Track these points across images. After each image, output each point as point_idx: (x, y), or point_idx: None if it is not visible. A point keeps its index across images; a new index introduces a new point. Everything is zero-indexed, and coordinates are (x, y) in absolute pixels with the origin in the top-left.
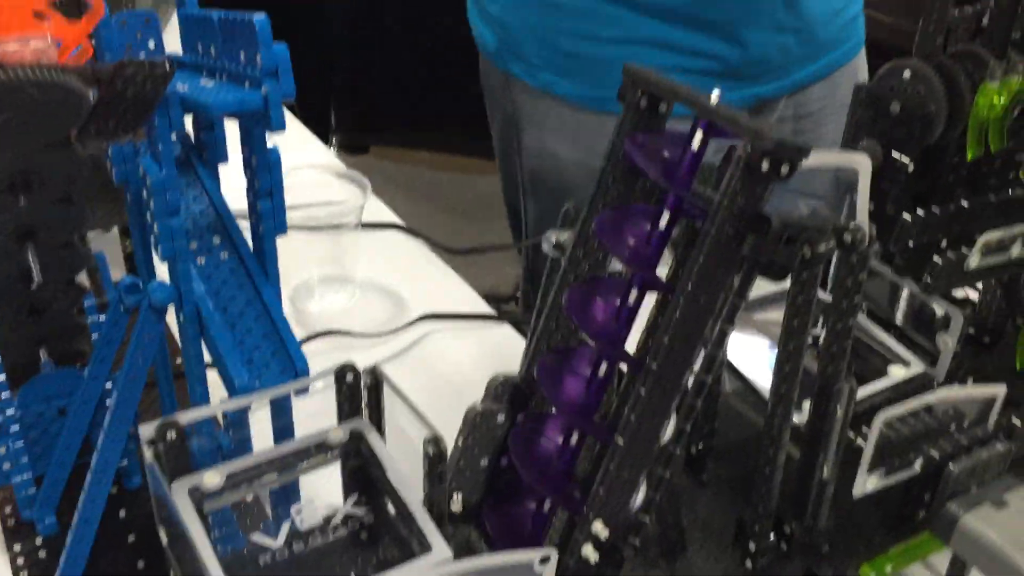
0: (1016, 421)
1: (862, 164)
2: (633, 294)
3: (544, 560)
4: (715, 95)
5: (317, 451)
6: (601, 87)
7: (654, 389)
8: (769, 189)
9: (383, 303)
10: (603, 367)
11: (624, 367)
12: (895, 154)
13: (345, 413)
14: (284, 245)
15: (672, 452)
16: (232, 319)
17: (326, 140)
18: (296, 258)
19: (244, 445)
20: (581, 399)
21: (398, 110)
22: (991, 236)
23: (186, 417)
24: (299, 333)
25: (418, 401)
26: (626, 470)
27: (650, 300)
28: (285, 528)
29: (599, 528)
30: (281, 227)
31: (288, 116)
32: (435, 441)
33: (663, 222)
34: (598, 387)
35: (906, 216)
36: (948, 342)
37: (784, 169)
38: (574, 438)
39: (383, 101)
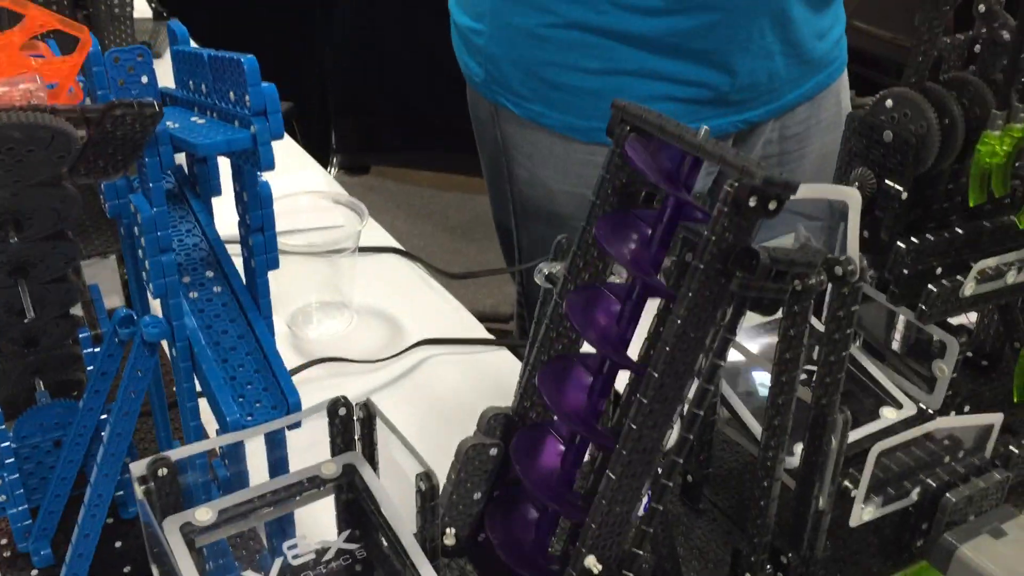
0: (1014, 449)
1: (851, 197)
2: (634, 299)
3: None
4: (703, 131)
5: (310, 485)
6: (589, 118)
7: (647, 420)
8: (757, 225)
9: (381, 328)
10: (604, 372)
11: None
12: (888, 182)
13: (338, 447)
14: (282, 271)
15: (674, 463)
16: (224, 353)
17: (326, 161)
18: (294, 284)
19: (241, 478)
20: (582, 406)
21: (398, 130)
22: (986, 263)
23: (177, 454)
24: (296, 360)
25: (415, 428)
26: (621, 500)
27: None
28: (277, 564)
29: (591, 563)
30: (273, 262)
31: (287, 140)
32: (427, 476)
33: (663, 227)
34: (599, 393)
35: (900, 244)
36: (944, 369)
37: (772, 205)
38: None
39: (383, 121)
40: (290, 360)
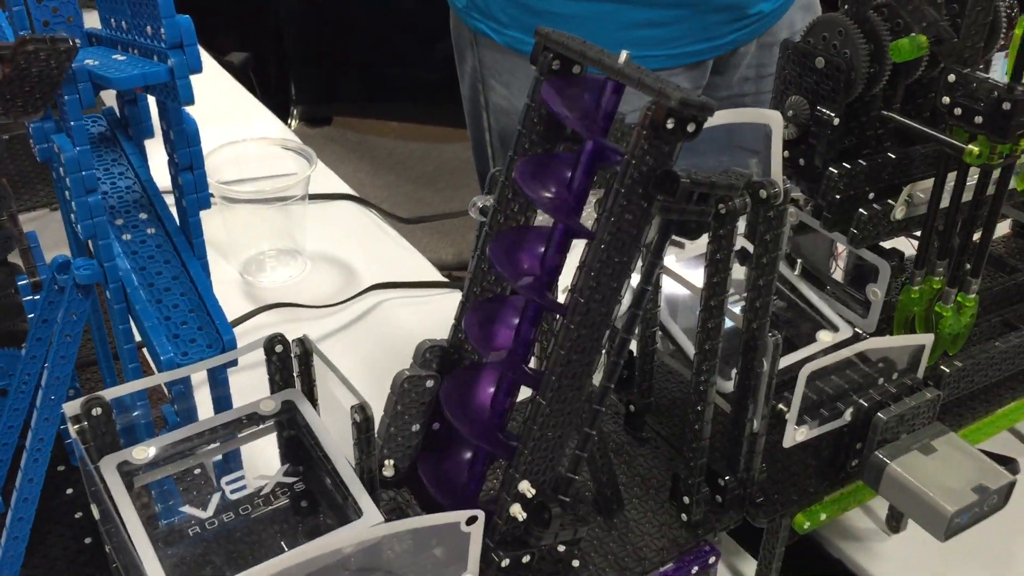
0: (945, 368)
1: (773, 120)
2: (556, 241)
3: (471, 521)
4: (623, 56)
5: (249, 422)
6: None
7: (575, 345)
8: (678, 148)
9: (335, 274)
10: (530, 312)
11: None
12: (821, 109)
13: (277, 384)
14: (233, 219)
15: (606, 389)
16: (158, 294)
17: (287, 112)
18: (245, 232)
19: (190, 415)
20: (510, 348)
21: (359, 80)
22: (915, 187)
23: (111, 393)
24: (249, 306)
25: (368, 369)
26: (552, 425)
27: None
28: (215, 499)
29: (525, 487)
30: (204, 202)
31: (240, 90)
32: (361, 408)
33: (581, 169)
34: (526, 334)
35: (831, 170)
36: (877, 292)
37: (690, 127)
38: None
39: (343, 72)
40: (243, 307)
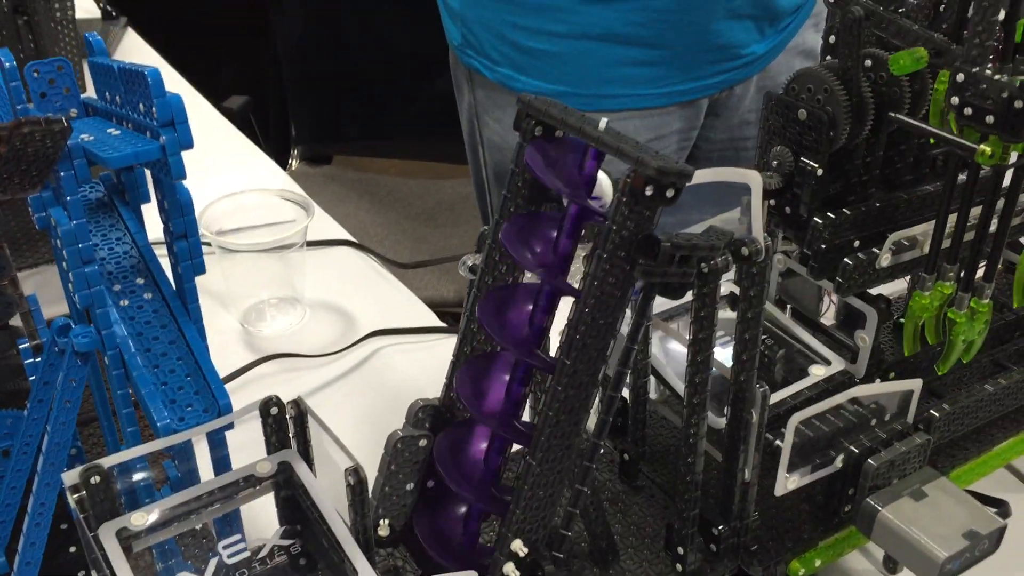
0: (934, 413)
1: (752, 179)
2: (543, 301)
3: None
4: (602, 123)
5: (246, 484)
6: (556, 82)
7: (563, 407)
8: (658, 212)
9: (334, 321)
10: (520, 370)
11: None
12: (804, 159)
13: (273, 445)
14: (232, 270)
15: (595, 446)
16: (155, 359)
17: (288, 153)
18: (245, 282)
19: (191, 475)
20: (500, 405)
21: (358, 119)
22: (899, 235)
23: (110, 461)
24: (250, 357)
25: (367, 419)
26: (543, 484)
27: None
28: (212, 564)
29: (518, 546)
30: (199, 268)
31: (239, 137)
32: (355, 471)
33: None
34: (517, 392)
35: (816, 219)
36: (865, 338)
37: (669, 193)
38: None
39: (342, 111)
40: (243, 357)
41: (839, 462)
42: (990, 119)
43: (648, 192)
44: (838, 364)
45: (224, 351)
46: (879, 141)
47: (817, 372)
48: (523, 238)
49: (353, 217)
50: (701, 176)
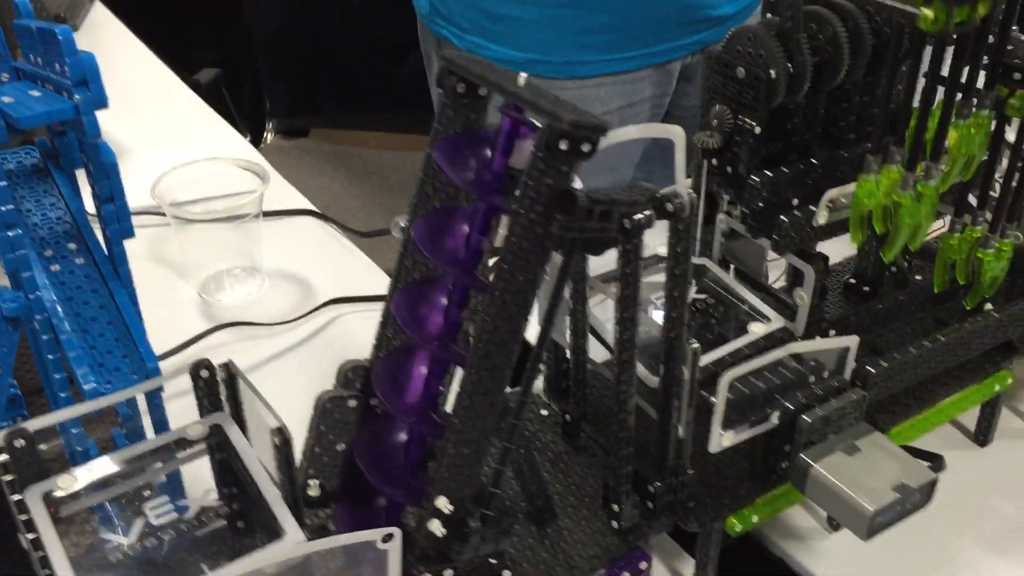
0: (871, 368)
1: (676, 134)
2: (457, 297)
3: (387, 538)
4: (522, 77)
5: (176, 447)
6: (527, 50)
7: (484, 364)
8: (575, 167)
9: (293, 291)
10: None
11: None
12: (743, 118)
13: (206, 408)
14: (190, 240)
15: (517, 408)
16: (84, 324)
17: (262, 127)
18: (203, 252)
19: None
20: (420, 394)
21: (332, 92)
22: (835, 192)
23: (34, 424)
24: (206, 326)
25: (324, 385)
26: (466, 442)
27: None
28: (138, 526)
29: (443, 504)
30: (127, 231)
31: (204, 108)
32: (279, 431)
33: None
34: (434, 386)
35: (753, 177)
36: (803, 296)
37: (585, 147)
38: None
39: (316, 84)
40: (200, 327)
41: (775, 419)
42: None
43: (562, 147)
44: (778, 322)
45: (182, 321)
46: (819, 99)
47: (756, 330)
48: (434, 235)
49: (327, 190)
50: (625, 133)
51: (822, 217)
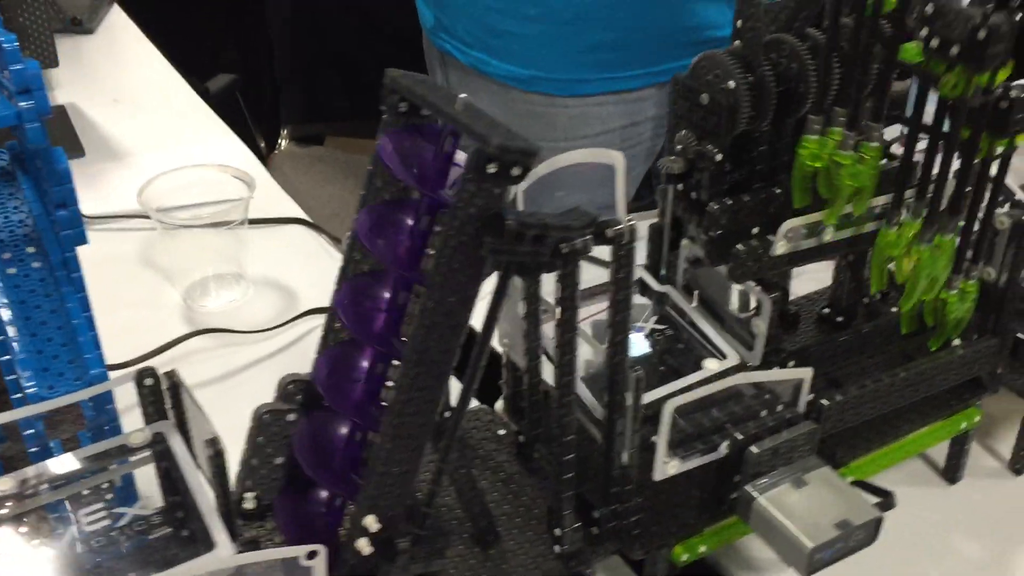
0: (824, 402)
1: (616, 159)
2: (399, 290)
3: (311, 555)
4: (460, 100)
5: (119, 453)
6: (528, 66)
7: (413, 385)
8: (507, 190)
9: (277, 299)
10: (377, 362)
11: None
12: (706, 144)
13: (151, 416)
14: (176, 246)
15: (452, 429)
16: (34, 328)
17: (276, 134)
18: (188, 258)
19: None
20: (358, 394)
21: (347, 100)
22: (793, 223)
23: None
24: (186, 331)
25: None
26: (396, 461)
27: None
28: (70, 532)
29: (370, 522)
30: (80, 237)
31: (206, 113)
32: (212, 442)
33: (421, 222)
34: (377, 382)
35: (712, 205)
36: (760, 326)
37: (515, 171)
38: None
39: (331, 91)
40: (181, 332)
41: (724, 449)
42: (955, 50)
43: (491, 170)
44: (733, 359)
45: (163, 326)
46: (786, 128)
47: (711, 366)
48: (377, 229)
49: (337, 198)
50: (568, 158)
51: (780, 247)
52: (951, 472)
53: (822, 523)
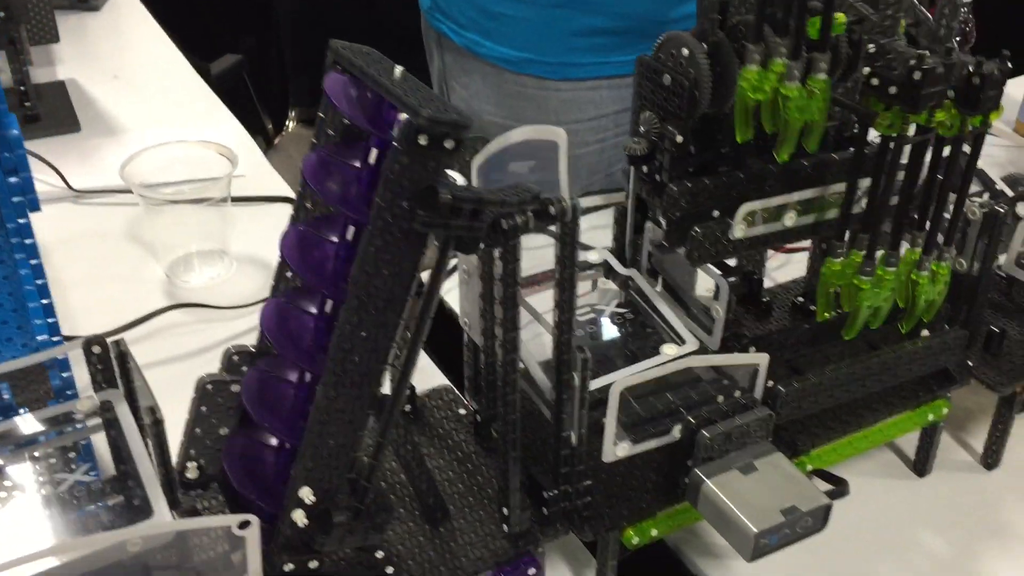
0: (781, 388)
1: (559, 136)
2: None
3: (244, 525)
4: (398, 71)
5: (65, 421)
6: (520, 49)
7: (346, 362)
8: (441, 163)
9: (259, 276)
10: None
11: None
12: (668, 126)
13: (100, 385)
14: (158, 222)
15: (392, 403)
16: None
17: (285, 115)
18: (171, 234)
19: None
20: (306, 341)
21: None
22: (751, 206)
23: None
24: (166, 305)
25: None
26: (332, 434)
27: None
28: (13, 497)
29: (306, 494)
30: (32, 204)
31: (205, 92)
32: (150, 411)
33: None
34: (323, 333)
35: (672, 186)
36: (719, 311)
37: (448, 144)
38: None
39: None
40: (161, 306)
41: (676, 432)
42: (893, 90)
43: (422, 142)
44: (691, 344)
45: (145, 300)
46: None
47: (669, 351)
48: (324, 171)
49: None
50: (514, 135)
51: (739, 230)
52: (920, 465)
53: (768, 508)
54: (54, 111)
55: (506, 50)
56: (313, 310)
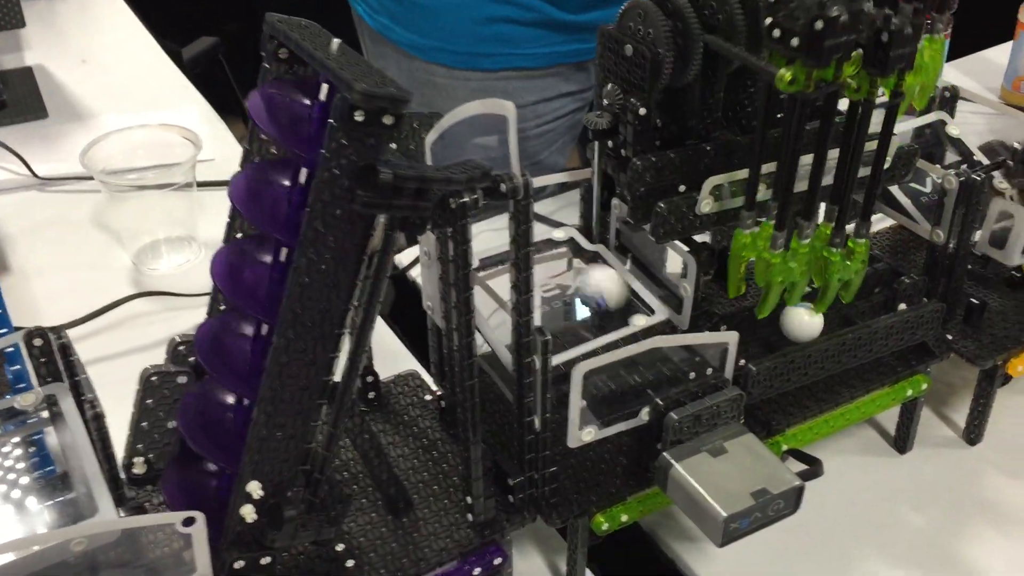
0: (752, 367)
1: (508, 109)
2: (280, 257)
3: (188, 522)
4: (335, 44)
5: (7, 416)
6: (429, 36)
7: (289, 347)
8: (380, 141)
9: None
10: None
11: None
12: (631, 98)
13: (43, 378)
14: (123, 209)
15: (343, 391)
16: None
17: None
18: (137, 221)
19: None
20: (239, 364)
21: None
22: (717, 179)
23: None
24: (130, 292)
25: None
26: (277, 425)
27: None
28: None
29: (254, 488)
30: None
31: (175, 75)
32: (91, 404)
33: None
34: (257, 352)
35: (634, 161)
36: (687, 288)
37: (387, 120)
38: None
39: None
40: (127, 294)
41: (645, 415)
42: (795, 42)
43: (358, 118)
44: (661, 314)
45: (110, 289)
46: (718, 80)
47: (638, 322)
48: (253, 193)
49: None
50: (463, 111)
51: (705, 205)
52: (901, 442)
53: (738, 492)
54: (21, 97)
55: (415, 37)
56: (248, 331)
